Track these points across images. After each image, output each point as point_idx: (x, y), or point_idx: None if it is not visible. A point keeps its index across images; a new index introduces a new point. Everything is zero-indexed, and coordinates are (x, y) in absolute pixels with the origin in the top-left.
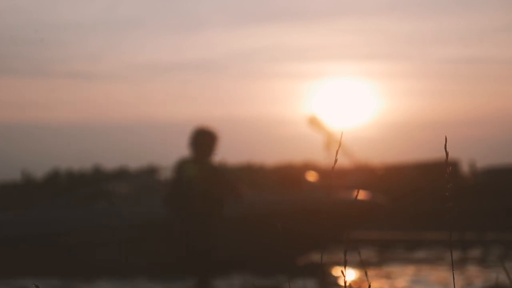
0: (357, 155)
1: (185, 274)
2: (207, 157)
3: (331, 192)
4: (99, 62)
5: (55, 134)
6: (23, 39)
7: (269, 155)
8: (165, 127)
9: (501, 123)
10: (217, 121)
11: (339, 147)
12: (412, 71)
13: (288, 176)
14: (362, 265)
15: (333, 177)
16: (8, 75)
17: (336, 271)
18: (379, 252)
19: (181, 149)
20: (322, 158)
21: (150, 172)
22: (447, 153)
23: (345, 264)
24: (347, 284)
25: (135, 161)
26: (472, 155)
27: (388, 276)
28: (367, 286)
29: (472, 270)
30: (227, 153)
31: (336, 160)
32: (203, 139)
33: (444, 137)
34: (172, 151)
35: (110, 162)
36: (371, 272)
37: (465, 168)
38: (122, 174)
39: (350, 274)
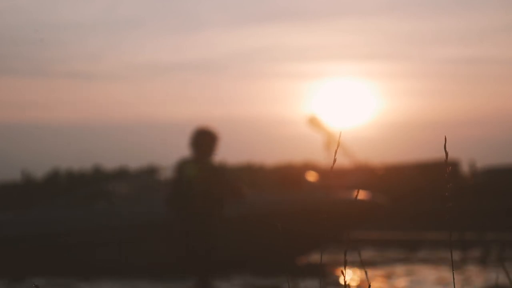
0: (357, 155)
1: (185, 274)
2: (207, 157)
3: (331, 192)
4: (99, 62)
5: (55, 134)
6: (23, 39)
7: (269, 155)
8: (165, 127)
9: (501, 123)
10: (217, 121)
11: (337, 147)
12: (412, 71)
13: (288, 176)
14: (362, 265)
15: (333, 177)
16: (8, 75)
17: (336, 271)
18: (379, 252)
19: (181, 149)
20: (322, 158)
21: (150, 172)
22: (446, 153)
23: (345, 264)
24: (347, 284)
25: (135, 161)
26: (472, 155)
27: (388, 276)
28: (367, 286)
29: (472, 270)
30: (227, 153)
31: (335, 160)
32: (204, 140)
33: (444, 137)
34: (172, 151)
35: (110, 162)
36: (371, 272)
37: (465, 168)
38: (122, 174)
39: (350, 274)
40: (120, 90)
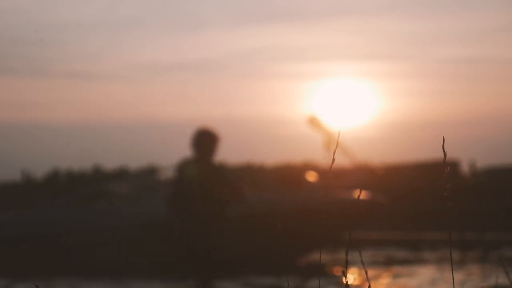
0: (357, 155)
1: (185, 274)
2: (208, 157)
3: (330, 192)
4: (99, 62)
5: (55, 134)
6: (23, 39)
7: (269, 155)
8: (165, 127)
9: (501, 123)
10: (217, 121)
11: (336, 147)
12: (412, 71)
13: (288, 176)
14: (362, 265)
15: (332, 176)
16: (8, 75)
17: (336, 271)
18: (379, 252)
19: (181, 149)
20: (322, 158)
21: (150, 172)
22: (445, 154)
23: (346, 264)
24: (347, 284)
25: (135, 161)
26: (472, 155)
27: (388, 276)
28: (367, 286)
29: (472, 270)
30: (227, 153)
31: (333, 160)
32: (205, 140)
33: (442, 138)
34: (172, 151)
35: (110, 162)
36: (371, 272)
37: (465, 168)
38: (122, 174)
39: (350, 274)
40: (120, 90)
